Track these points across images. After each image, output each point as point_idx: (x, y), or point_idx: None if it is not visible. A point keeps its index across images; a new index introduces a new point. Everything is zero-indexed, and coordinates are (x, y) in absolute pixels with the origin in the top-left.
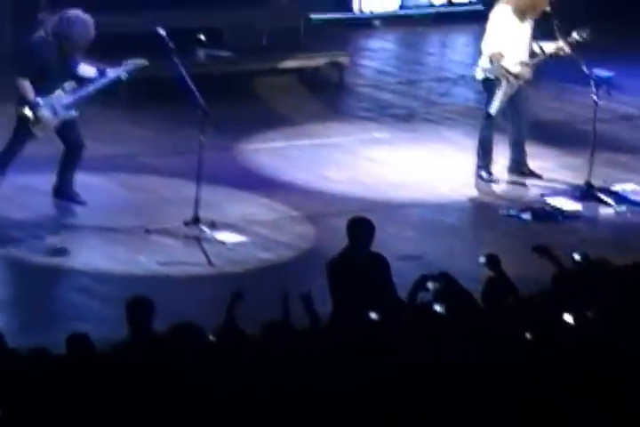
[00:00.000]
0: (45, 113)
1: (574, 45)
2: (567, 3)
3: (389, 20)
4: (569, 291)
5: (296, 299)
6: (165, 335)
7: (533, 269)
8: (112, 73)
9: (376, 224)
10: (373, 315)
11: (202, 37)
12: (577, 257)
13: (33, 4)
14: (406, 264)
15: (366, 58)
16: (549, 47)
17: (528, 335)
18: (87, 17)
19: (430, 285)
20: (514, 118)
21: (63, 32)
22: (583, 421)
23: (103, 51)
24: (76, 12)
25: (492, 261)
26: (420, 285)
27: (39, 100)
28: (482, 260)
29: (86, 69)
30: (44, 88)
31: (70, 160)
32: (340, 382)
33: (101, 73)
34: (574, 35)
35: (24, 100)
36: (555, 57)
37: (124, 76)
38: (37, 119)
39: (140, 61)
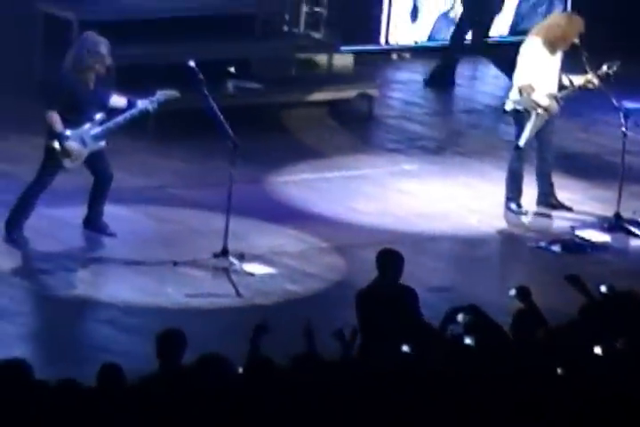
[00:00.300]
0: (74, 145)
1: (604, 78)
2: (596, 35)
3: (418, 52)
4: (597, 323)
5: (325, 331)
6: (193, 367)
7: (562, 300)
8: (142, 104)
9: (405, 256)
10: (405, 347)
11: (232, 70)
12: (603, 289)
13: (64, 36)
14: (435, 296)
15: (395, 90)
16: (579, 80)
17: (558, 369)
18: (99, 37)
19: (460, 317)
20: (540, 150)
21: (76, 53)
22: None
23: (133, 82)
24: (88, 33)
25: (523, 293)
26: (449, 317)
27: (67, 132)
28: (512, 292)
29: (117, 100)
30: (73, 120)
31: (99, 191)
32: (370, 415)
33: (131, 104)
34: (604, 67)
35: (53, 133)
36: (584, 89)
37: (152, 107)
38: (65, 151)
39: (172, 93)
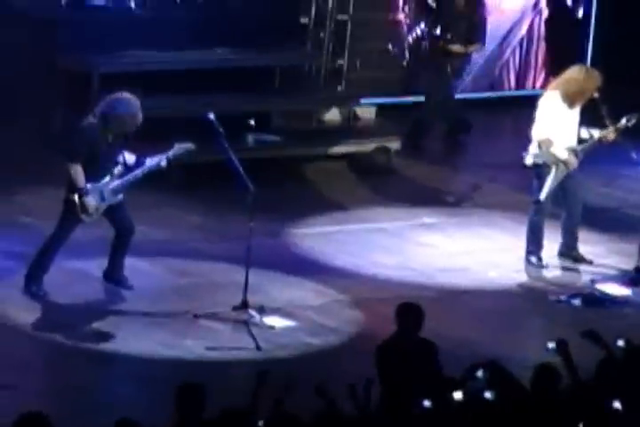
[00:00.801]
0: (93, 199)
1: (623, 131)
2: (615, 89)
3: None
4: (617, 377)
5: (344, 384)
6: (214, 420)
7: (582, 355)
8: (151, 161)
9: (425, 310)
10: (426, 402)
11: (252, 123)
12: (621, 343)
13: (85, 87)
14: (456, 350)
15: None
16: (598, 133)
17: (579, 424)
18: (133, 98)
19: (480, 373)
20: (566, 204)
21: (108, 114)
22: None
23: (152, 134)
24: (122, 94)
25: (563, 346)
26: (469, 373)
27: (87, 186)
28: (551, 345)
29: (127, 157)
30: (93, 173)
31: (120, 244)
32: None
33: (140, 162)
34: (623, 121)
35: (72, 186)
36: (604, 143)
37: (163, 163)
38: (84, 205)
39: (187, 146)
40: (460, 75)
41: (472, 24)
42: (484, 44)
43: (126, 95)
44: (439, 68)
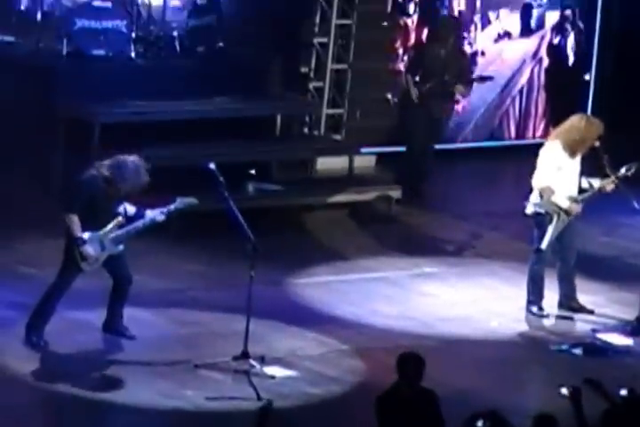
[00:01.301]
0: (92, 249)
1: (623, 180)
2: (616, 137)
3: (437, 153)
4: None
5: None
6: None
7: (585, 404)
8: (151, 214)
9: (426, 359)
10: None
11: (253, 172)
12: (624, 392)
13: (85, 136)
14: (457, 400)
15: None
16: (598, 183)
17: None
18: (140, 163)
19: (480, 423)
20: (562, 253)
21: (115, 178)
22: None
23: (152, 184)
24: (129, 158)
25: (577, 394)
26: (469, 423)
27: (86, 235)
28: (564, 391)
29: (128, 209)
30: (93, 223)
31: (119, 294)
32: None
33: (140, 214)
34: (622, 170)
35: (71, 236)
36: (604, 192)
37: (161, 218)
38: (83, 255)
39: (189, 200)
40: (441, 123)
41: (459, 69)
42: (470, 87)
43: (134, 160)
44: (421, 115)
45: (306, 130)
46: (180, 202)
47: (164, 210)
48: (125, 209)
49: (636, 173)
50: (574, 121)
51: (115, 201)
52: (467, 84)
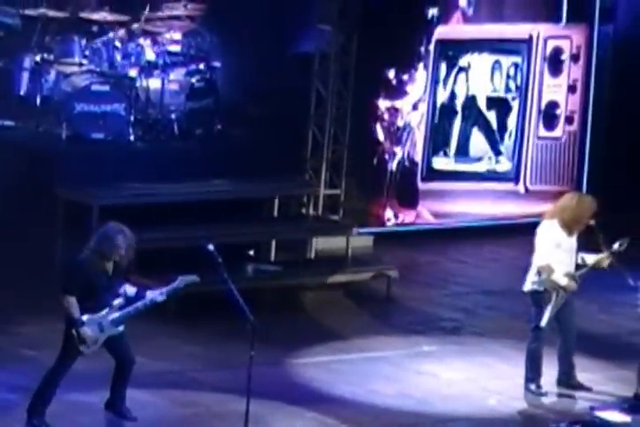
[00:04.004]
0: (91, 331)
1: (618, 256)
2: (610, 218)
3: (434, 233)
4: None
5: None
6: None
7: None
8: (151, 294)
9: None
10: None
11: (251, 253)
12: None
13: (84, 219)
14: None
15: (413, 271)
16: (592, 258)
17: None
18: (126, 229)
19: None
20: (561, 330)
21: (106, 248)
22: None
23: (152, 266)
24: (114, 225)
25: None
26: None
27: (84, 317)
28: None
29: (128, 290)
30: (92, 305)
31: (121, 375)
32: None
33: (140, 294)
34: (615, 246)
35: (69, 318)
36: (598, 268)
37: (160, 299)
38: (82, 337)
39: (191, 278)
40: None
41: None
42: None
43: (112, 225)
44: None
45: (303, 210)
46: (181, 280)
47: (164, 290)
48: (125, 290)
49: (628, 248)
50: (566, 200)
51: (115, 281)
52: None
